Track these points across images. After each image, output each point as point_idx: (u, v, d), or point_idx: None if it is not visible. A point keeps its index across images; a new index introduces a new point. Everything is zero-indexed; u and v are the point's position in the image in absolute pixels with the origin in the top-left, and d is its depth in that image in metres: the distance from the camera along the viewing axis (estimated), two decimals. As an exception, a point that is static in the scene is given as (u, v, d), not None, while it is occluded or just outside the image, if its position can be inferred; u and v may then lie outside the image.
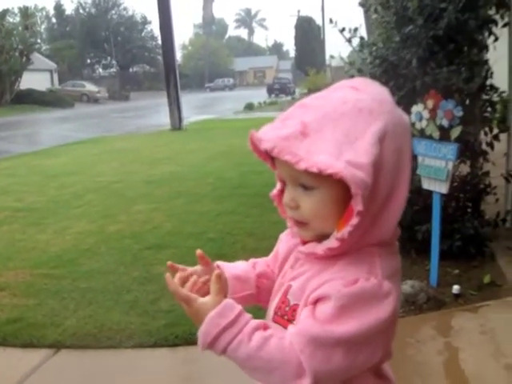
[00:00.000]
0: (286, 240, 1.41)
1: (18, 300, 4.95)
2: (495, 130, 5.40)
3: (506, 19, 5.44)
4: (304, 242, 1.26)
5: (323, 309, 1.11)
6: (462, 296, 4.50)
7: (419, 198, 5.00)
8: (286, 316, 1.23)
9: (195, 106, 38.29)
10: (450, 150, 4.37)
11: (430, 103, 4.45)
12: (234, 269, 1.46)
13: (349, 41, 6.00)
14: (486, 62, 5.30)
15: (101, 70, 77.90)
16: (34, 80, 43.62)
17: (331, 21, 6.16)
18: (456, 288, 4.50)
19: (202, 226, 7.04)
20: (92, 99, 49.03)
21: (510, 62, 5.98)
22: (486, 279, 4.71)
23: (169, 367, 4.03)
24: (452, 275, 4.85)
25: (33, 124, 28.15)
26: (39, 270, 5.68)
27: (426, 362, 3.62)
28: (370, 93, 1.15)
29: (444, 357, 3.69)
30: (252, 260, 1.53)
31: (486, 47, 5.31)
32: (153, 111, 34.68)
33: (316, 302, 1.13)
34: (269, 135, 1.13)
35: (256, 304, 1.46)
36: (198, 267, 1.39)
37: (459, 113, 4.33)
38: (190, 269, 1.37)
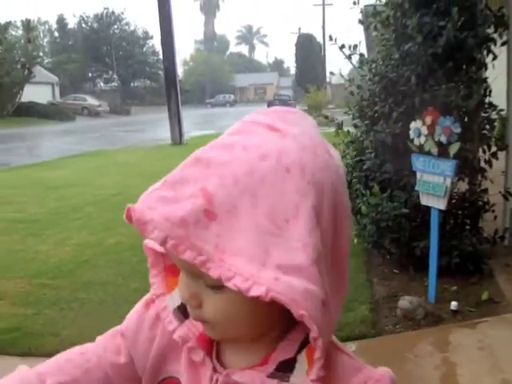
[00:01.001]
0: (162, 325, 0.93)
1: (16, 309, 4.96)
2: (493, 148, 5.44)
3: (505, 38, 5.51)
4: (200, 339, 0.88)
5: None
6: (460, 312, 4.52)
7: (417, 214, 5.03)
8: None
9: (196, 122, 38.40)
10: (448, 166, 4.41)
11: (429, 120, 4.48)
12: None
13: (349, 58, 6.07)
14: (485, 80, 5.36)
15: (102, 84, 78.22)
16: (36, 93, 43.78)
17: (331, 38, 6.23)
18: (454, 304, 4.52)
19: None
20: (93, 113, 49.16)
21: (508, 80, 6.04)
22: (484, 296, 4.72)
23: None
24: (450, 292, 4.86)
25: (34, 136, 28.21)
26: (38, 280, 5.70)
27: (424, 377, 3.63)
28: (297, 136, 0.76)
29: (442, 372, 3.70)
30: (70, 354, 0.99)
31: (484, 65, 5.37)
32: (154, 126, 34.75)
33: None
34: (155, 214, 0.72)
35: None
36: None
37: (457, 129, 4.36)
38: None
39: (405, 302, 4.47)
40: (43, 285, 5.54)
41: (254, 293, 0.68)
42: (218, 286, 0.73)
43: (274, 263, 0.69)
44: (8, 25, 40.94)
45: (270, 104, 53.52)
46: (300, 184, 0.72)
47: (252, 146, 0.74)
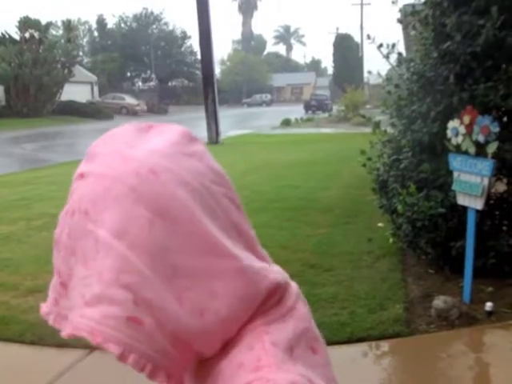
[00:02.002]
0: None
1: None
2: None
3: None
4: None
5: None
6: (495, 313, 4.47)
7: (454, 214, 4.99)
8: None
9: (233, 121, 38.54)
10: (485, 165, 4.37)
11: (467, 119, 4.45)
12: None
13: (386, 57, 6.05)
14: (525, 79, 5.28)
15: (140, 83, 78.95)
16: (75, 92, 44.43)
17: (369, 37, 6.22)
18: (489, 305, 4.47)
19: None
20: (131, 112, 49.61)
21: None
22: (520, 298, 4.67)
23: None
24: (485, 292, 4.81)
25: (73, 135, 28.68)
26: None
27: (458, 376, 3.61)
28: (94, 172, 0.77)
29: (475, 372, 3.68)
30: None
31: (524, 64, 5.29)
32: (191, 125, 34.74)
33: None
34: (48, 304, 0.81)
35: None
36: None
37: (496, 128, 4.32)
38: None
39: (439, 301, 4.44)
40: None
41: (67, 335, 0.74)
42: None
43: (83, 302, 0.73)
44: (49, 25, 41.60)
45: (306, 104, 53.42)
46: (94, 217, 0.74)
47: (68, 207, 0.78)
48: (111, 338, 0.71)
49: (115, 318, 0.71)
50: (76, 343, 4.27)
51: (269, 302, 0.80)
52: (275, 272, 0.83)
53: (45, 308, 0.81)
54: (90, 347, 4.21)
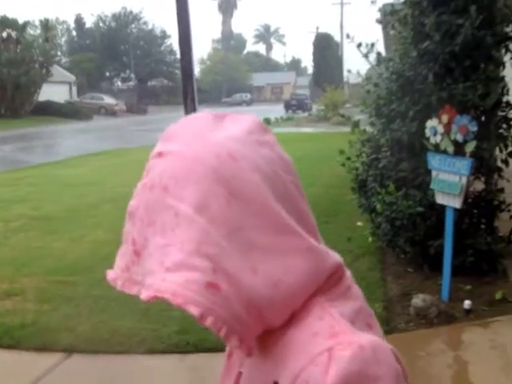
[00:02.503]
0: None
1: (32, 305, 5.02)
2: (510, 147, 5.40)
3: (524, 36, 5.45)
4: None
5: None
6: (474, 311, 4.50)
7: (432, 213, 5.01)
8: None
9: (212, 121, 38.39)
10: (464, 164, 4.39)
11: (445, 118, 4.47)
12: None
13: (366, 56, 6.06)
14: (503, 78, 5.32)
15: (119, 83, 78.40)
16: (53, 92, 44.03)
17: (348, 36, 6.23)
18: (467, 303, 4.50)
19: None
20: (110, 112, 49.30)
21: (526, 79, 5.98)
22: (498, 295, 4.70)
23: (179, 373, 4.07)
24: (464, 291, 4.84)
25: (51, 135, 28.43)
26: (54, 276, 5.75)
27: (437, 375, 3.63)
28: (175, 151, 0.85)
29: (454, 370, 3.70)
30: None
31: (502, 64, 5.33)
32: (170, 124, 34.78)
33: None
34: (117, 270, 0.89)
35: None
36: None
37: (474, 128, 4.35)
38: None
39: (418, 300, 4.46)
40: (59, 281, 5.59)
41: (148, 297, 0.79)
42: None
43: (164, 268, 0.79)
44: (27, 24, 41.25)
45: (286, 103, 53.47)
46: (175, 193, 0.81)
47: (147, 182, 0.86)
48: (192, 300, 0.77)
49: (196, 282, 0.77)
50: (54, 347, 4.24)
51: (331, 280, 0.87)
52: (335, 254, 0.90)
53: (112, 274, 0.89)
54: (68, 350, 4.18)
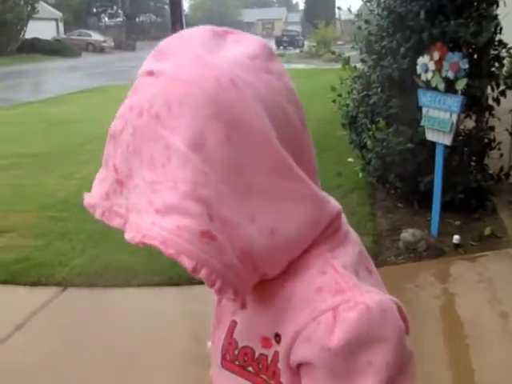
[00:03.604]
0: None
1: (26, 241, 5.06)
2: (502, 86, 5.38)
3: (518, -27, 5.37)
4: None
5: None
6: (462, 246, 4.58)
7: (423, 150, 5.03)
8: (237, 361, 0.90)
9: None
10: (454, 101, 4.39)
11: (437, 55, 4.44)
12: None
13: (357, -8, 5.96)
14: (496, 16, 5.25)
15: (107, 19, 76.76)
16: (40, 29, 43.02)
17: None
18: (456, 238, 4.57)
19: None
20: (98, 49, 48.40)
21: (520, 17, 5.91)
22: (487, 231, 4.78)
23: (172, 305, 4.17)
24: (453, 226, 4.91)
25: (39, 73, 27.98)
26: (46, 212, 5.78)
27: (424, 306, 3.72)
28: (167, 71, 0.75)
29: (441, 302, 3.79)
30: None
31: (495, 2, 5.26)
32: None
33: (297, 367, 0.79)
34: (96, 196, 0.82)
35: None
36: None
37: (465, 65, 4.32)
38: None
39: (407, 234, 4.53)
40: (51, 217, 5.63)
41: (134, 241, 0.72)
42: None
43: (153, 209, 0.71)
44: (11, -41, 40.06)
45: (278, 40, 52.68)
46: (168, 122, 0.72)
47: (134, 104, 0.76)
48: (184, 250, 0.70)
49: (189, 230, 0.70)
50: (49, 281, 4.30)
51: (330, 227, 0.81)
52: (335, 201, 0.84)
53: (89, 199, 0.82)
54: (63, 284, 4.25)
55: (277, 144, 0.74)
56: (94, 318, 3.86)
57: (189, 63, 0.74)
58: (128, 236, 0.73)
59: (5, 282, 4.38)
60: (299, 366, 0.78)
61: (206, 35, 0.79)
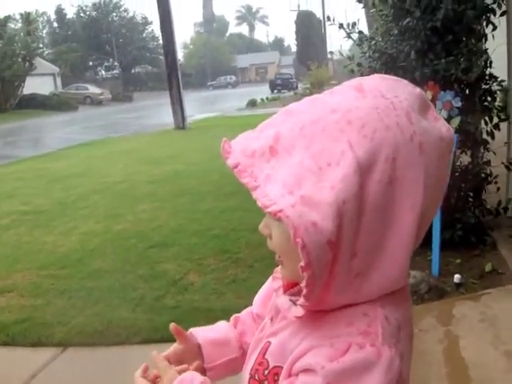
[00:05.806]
0: (270, 281, 1.14)
1: (25, 300, 5.02)
2: (495, 119, 5.41)
3: (504, 7, 5.44)
4: (287, 287, 1.02)
5: None
6: (464, 285, 4.54)
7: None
8: (267, 381, 0.96)
9: (199, 104, 38.30)
10: (449, 140, 4.40)
11: (429, 94, 4.47)
12: (209, 332, 1.26)
13: (348, 36, 6.03)
14: (485, 51, 5.32)
15: (103, 71, 77.96)
16: (38, 84, 43.64)
17: (329, 18, 6.18)
18: (457, 277, 4.54)
19: (207, 223, 7.10)
20: (95, 101, 48.99)
21: (508, 50, 5.96)
22: (488, 267, 4.74)
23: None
24: (454, 264, 4.88)
25: (38, 128, 28.23)
26: (46, 270, 5.75)
27: (428, 350, 3.66)
28: (378, 97, 0.84)
29: (445, 345, 3.73)
30: (234, 316, 1.30)
31: (484, 36, 5.33)
32: (156, 111, 34.65)
33: (299, 373, 0.88)
34: (237, 146, 0.88)
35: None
36: (177, 347, 1.23)
37: (458, 103, 4.37)
38: (169, 350, 1.22)
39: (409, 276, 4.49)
40: (51, 275, 5.60)
41: (269, 210, 0.80)
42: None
43: (299, 194, 0.78)
44: (7, 19, 40.79)
45: (271, 83, 53.25)
46: (355, 136, 0.80)
47: (331, 101, 0.85)
48: (310, 249, 0.78)
49: (321, 233, 0.77)
50: (49, 341, 4.25)
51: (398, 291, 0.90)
52: None
53: (227, 145, 0.90)
54: (63, 344, 4.20)
55: (419, 210, 0.82)
56: (94, 377, 3.80)
57: (402, 101, 0.86)
58: (261, 203, 0.81)
59: (4, 344, 4.33)
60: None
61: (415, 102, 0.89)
